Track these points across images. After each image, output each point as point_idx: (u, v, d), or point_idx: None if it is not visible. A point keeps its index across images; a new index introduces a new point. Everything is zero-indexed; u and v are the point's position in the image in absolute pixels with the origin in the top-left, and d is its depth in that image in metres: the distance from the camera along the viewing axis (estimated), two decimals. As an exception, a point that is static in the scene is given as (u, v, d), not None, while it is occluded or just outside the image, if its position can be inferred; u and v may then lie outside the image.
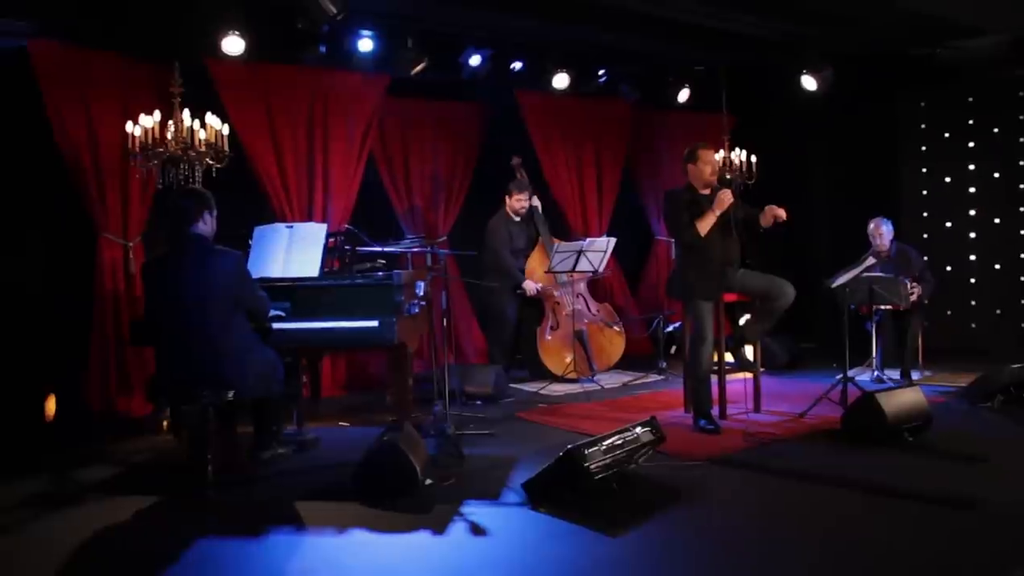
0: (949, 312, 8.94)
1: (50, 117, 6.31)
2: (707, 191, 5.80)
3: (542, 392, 7.17)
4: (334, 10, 5.70)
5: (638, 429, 4.44)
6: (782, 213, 5.65)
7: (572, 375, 7.47)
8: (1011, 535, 3.57)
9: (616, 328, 8.04)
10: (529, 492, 4.14)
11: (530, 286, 7.66)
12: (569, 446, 4.02)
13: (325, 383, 7.19)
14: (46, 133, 6.32)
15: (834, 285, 6.30)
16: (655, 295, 9.50)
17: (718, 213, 5.63)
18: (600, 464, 4.07)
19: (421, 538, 3.71)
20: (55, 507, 4.25)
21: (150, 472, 4.95)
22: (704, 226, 5.64)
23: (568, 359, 7.54)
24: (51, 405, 5.93)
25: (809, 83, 8.20)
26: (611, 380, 7.63)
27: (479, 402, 6.72)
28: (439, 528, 3.81)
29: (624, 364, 8.17)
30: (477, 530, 3.79)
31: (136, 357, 6.55)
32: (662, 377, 7.82)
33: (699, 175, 5.80)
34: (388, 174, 8.17)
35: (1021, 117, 8.54)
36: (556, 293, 7.76)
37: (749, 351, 6.38)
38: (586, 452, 4.03)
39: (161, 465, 5.09)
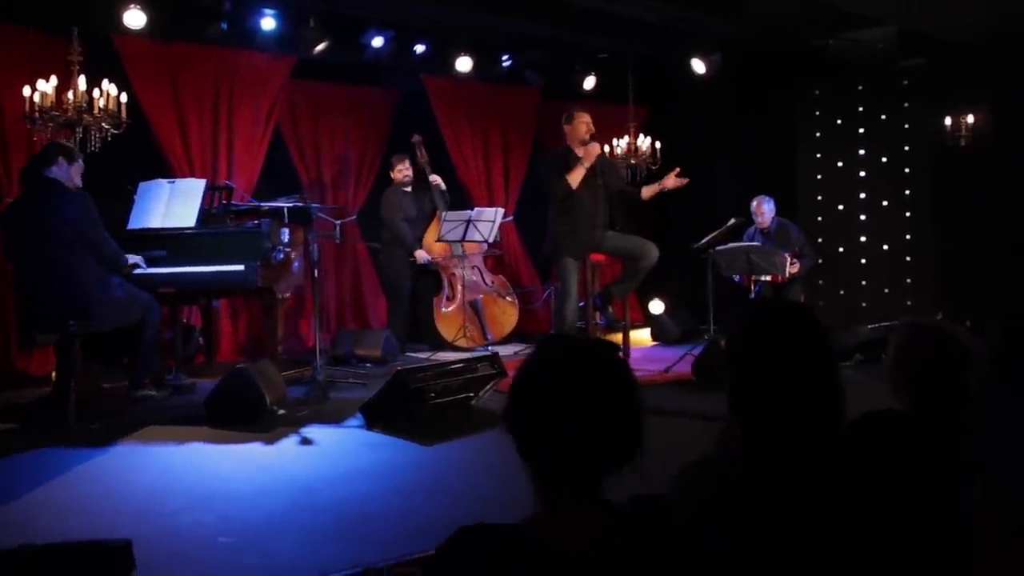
0: (841, 292, 9.33)
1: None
2: (582, 152, 6.11)
3: (432, 358, 7.42)
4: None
5: (477, 362, 4.74)
6: (669, 181, 6.06)
7: (462, 342, 7.73)
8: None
9: (509, 299, 8.33)
10: (365, 414, 4.43)
11: (421, 255, 7.91)
12: (399, 367, 4.32)
13: (225, 348, 7.43)
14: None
15: (695, 246, 6.64)
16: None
17: (587, 165, 5.95)
18: (433, 388, 4.36)
19: (250, 448, 4.00)
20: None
21: (24, 409, 5.18)
22: (574, 178, 5.92)
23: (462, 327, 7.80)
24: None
25: (698, 67, 8.57)
26: (505, 350, 7.84)
27: (369, 364, 6.98)
28: (270, 441, 4.11)
29: (523, 337, 8.46)
30: (305, 442, 4.09)
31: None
32: (555, 347, 8.07)
33: (575, 134, 6.13)
34: (299, 156, 8.36)
35: (906, 105, 8.95)
36: (451, 265, 8.01)
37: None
38: (417, 375, 4.33)
39: (36, 404, 5.32)
